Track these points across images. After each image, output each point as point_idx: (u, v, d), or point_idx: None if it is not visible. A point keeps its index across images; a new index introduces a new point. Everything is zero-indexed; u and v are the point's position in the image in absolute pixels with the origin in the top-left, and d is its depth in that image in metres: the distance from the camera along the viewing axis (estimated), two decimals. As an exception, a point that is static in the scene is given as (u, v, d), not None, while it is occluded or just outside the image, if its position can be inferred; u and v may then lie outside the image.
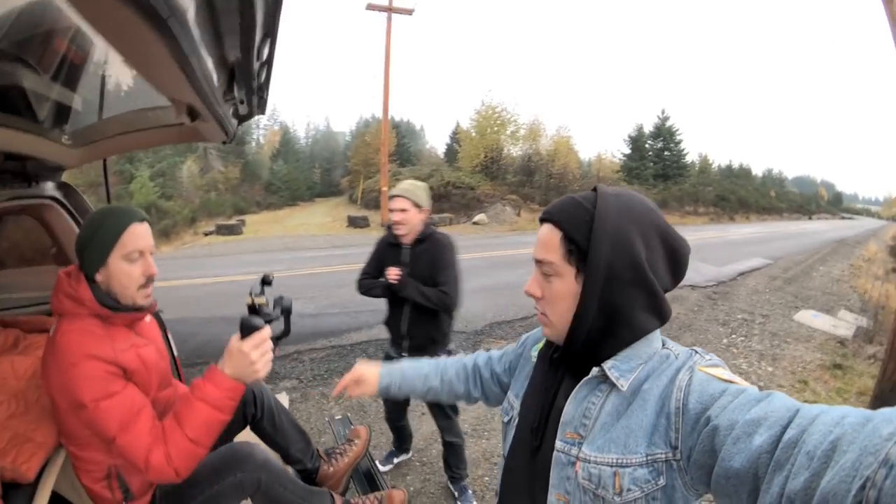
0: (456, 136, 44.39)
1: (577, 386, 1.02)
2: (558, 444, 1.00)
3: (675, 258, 1.02)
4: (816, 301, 10.45)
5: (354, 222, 25.27)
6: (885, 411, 0.60)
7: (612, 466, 0.91)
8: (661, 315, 1.01)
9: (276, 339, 1.74)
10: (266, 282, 1.87)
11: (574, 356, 1.04)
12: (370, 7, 22.97)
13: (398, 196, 2.96)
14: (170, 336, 2.39)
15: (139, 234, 1.66)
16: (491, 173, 35.26)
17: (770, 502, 0.65)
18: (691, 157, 49.10)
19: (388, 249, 3.17)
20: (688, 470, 0.84)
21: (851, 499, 0.54)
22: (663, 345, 1.03)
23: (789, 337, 7.67)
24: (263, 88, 1.56)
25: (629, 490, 0.88)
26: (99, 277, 1.64)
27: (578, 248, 0.99)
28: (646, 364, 0.98)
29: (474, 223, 26.56)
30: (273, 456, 1.92)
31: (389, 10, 23.29)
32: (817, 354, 6.90)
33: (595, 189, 1.05)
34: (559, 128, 40.34)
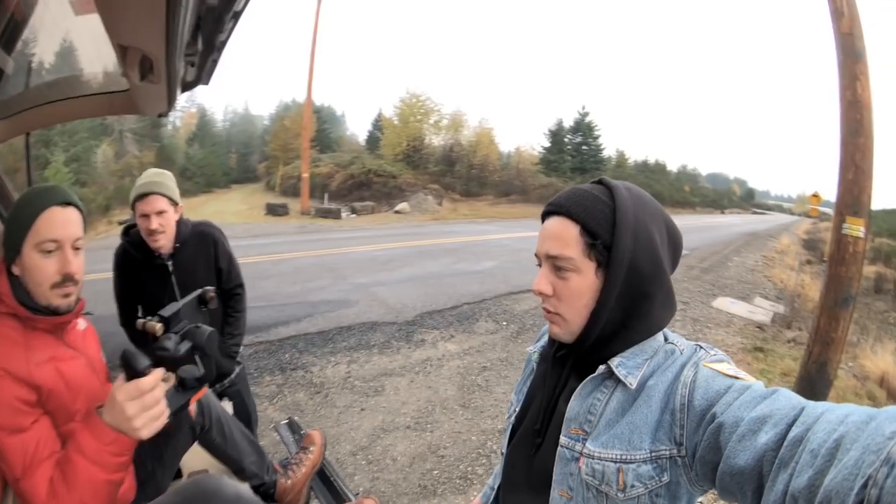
0: (378, 124, 44.38)
1: (583, 383, 0.99)
2: (562, 439, 0.98)
3: (676, 249, 1.03)
4: (733, 289, 11.02)
5: (273, 210, 24.47)
6: (890, 409, 0.60)
7: (615, 462, 0.89)
8: (672, 308, 1.01)
9: (187, 386, 1.33)
10: (202, 300, 1.56)
11: (583, 353, 1.01)
12: None
13: (153, 194, 2.30)
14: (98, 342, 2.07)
15: (57, 221, 1.37)
16: (413, 162, 35.39)
17: (774, 500, 0.64)
18: (609, 151, 51.08)
19: (142, 271, 2.47)
20: (692, 466, 0.83)
21: (854, 497, 0.53)
22: (665, 339, 1.00)
23: (710, 322, 8.07)
24: (222, 48, 1.34)
25: (633, 486, 0.87)
26: (15, 270, 1.37)
27: (601, 243, 0.95)
28: (651, 359, 0.95)
29: (396, 212, 26.49)
30: (243, 487, 1.65)
31: None
32: (738, 338, 7.29)
33: (601, 182, 1.03)
34: (481, 119, 41.24)
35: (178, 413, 1.31)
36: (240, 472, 1.98)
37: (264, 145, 46.59)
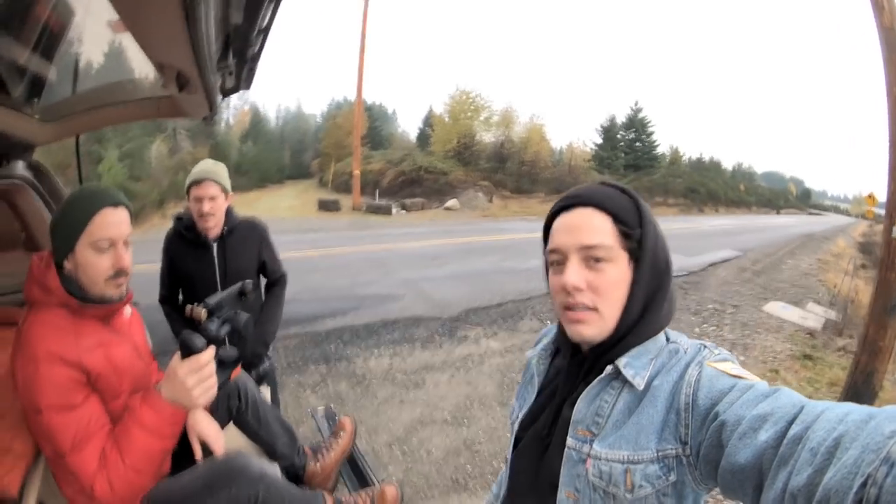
0: (429, 121, 44.34)
1: (591, 384, 0.98)
2: (570, 441, 0.97)
3: (666, 247, 1.03)
4: (785, 293, 10.65)
5: (325, 206, 24.96)
6: (889, 409, 0.60)
7: (623, 463, 0.88)
8: (674, 306, 1.03)
9: (225, 365, 1.55)
10: (242, 293, 1.71)
11: (602, 352, 0.99)
12: None
13: (206, 180, 2.50)
14: (148, 337, 2.23)
15: (110, 222, 1.50)
16: (463, 159, 35.34)
17: (774, 497, 0.65)
18: (662, 149, 50.05)
19: (188, 251, 2.65)
20: (697, 465, 0.83)
21: (853, 496, 0.54)
22: (668, 338, 1.01)
23: (759, 327, 7.80)
24: (256, 59, 1.44)
25: (641, 487, 0.87)
26: (67, 265, 1.51)
27: (632, 234, 0.96)
28: (656, 359, 0.95)
29: (446, 208, 26.56)
30: (269, 466, 1.77)
31: None
32: (787, 345, 7.02)
33: (603, 184, 1.04)
34: (532, 116, 40.85)
35: (219, 388, 1.50)
36: (271, 453, 2.09)
37: (317, 143, 46.83)
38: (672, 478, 0.86)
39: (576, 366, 1.05)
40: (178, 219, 2.70)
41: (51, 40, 1.38)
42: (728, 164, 69.04)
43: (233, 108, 46.36)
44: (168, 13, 0.65)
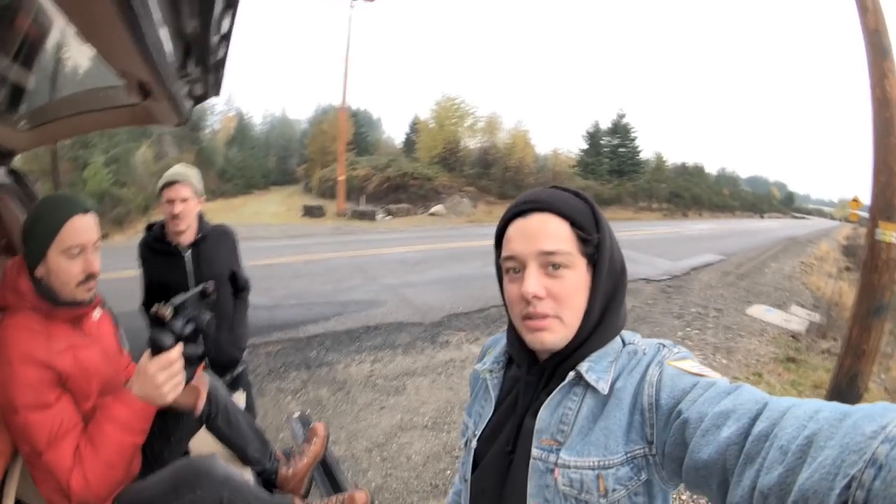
0: (415, 127, 44.56)
1: (553, 393, 0.97)
2: (535, 451, 0.95)
3: (620, 250, 1.04)
4: (769, 296, 10.72)
5: (310, 211, 24.94)
6: (864, 407, 0.59)
7: (594, 469, 0.88)
8: (626, 312, 1.04)
9: (191, 362, 1.63)
10: (204, 294, 1.80)
11: (561, 359, 0.99)
12: None
13: (177, 182, 2.52)
14: (121, 332, 2.26)
15: (80, 228, 1.55)
16: (449, 165, 35.58)
17: (742, 495, 0.65)
18: (646, 154, 50.36)
19: (161, 261, 2.65)
20: (663, 464, 0.84)
21: (835, 497, 0.53)
22: (623, 339, 1.01)
23: (743, 330, 7.85)
24: (220, 66, 1.46)
25: (614, 490, 0.87)
26: (39, 272, 1.54)
27: (590, 240, 0.96)
28: (616, 361, 0.96)
29: (431, 214, 26.65)
30: (233, 469, 1.80)
31: None
32: (771, 348, 7.07)
33: (555, 188, 1.04)
34: (517, 122, 41.34)
35: (186, 383, 1.60)
36: (243, 457, 2.11)
37: (303, 148, 46.97)
38: (643, 477, 0.87)
39: (535, 375, 1.03)
40: (148, 229, 2.72)
41: (30, 50, 1.41)
42: (712, 169, 69.87)
43: (218, 114, 46.32)
44: (113, 23, 0.67)
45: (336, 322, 6.91)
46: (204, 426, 2.05)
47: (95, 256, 1.59)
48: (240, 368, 2.88)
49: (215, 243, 2.76)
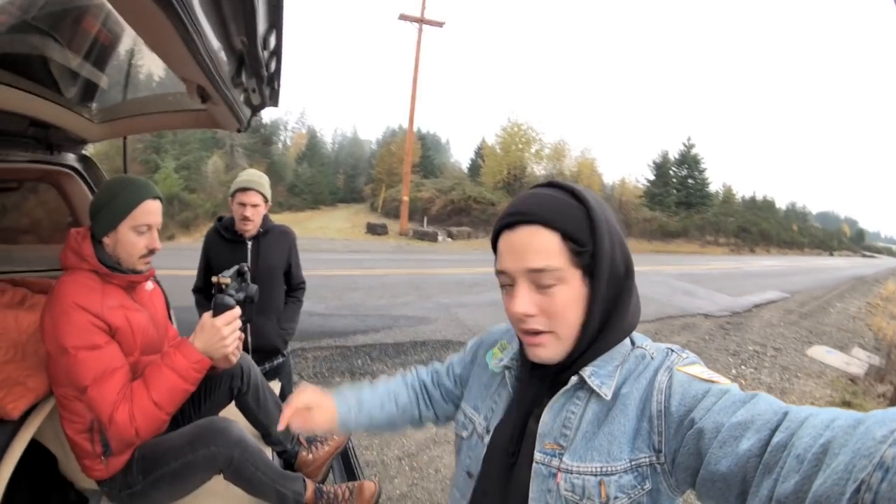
0: (480, 152, 44.88)
1: (555, 396, 0.94)
2: (537, 455, 0.93)
3: (626, 248, 0.96)
4: (831, 337, 10.27)
5: (373, 229, 25.47)
6: (877, 413, 0.59)
7: (596, 475, 0.86)
8: (639, 310, 0.99)
9: (244, 322, 1.84)
10: (241, 273, 1.98)
11: (563, 365, 0.95)
12: (402, 17, 23.72)
13: (251, 189, 2.75)
14: (171, 311, 2.48)
15: (151, 210, 1.77)
16: (513, 191, 35.41)
17: None
18: (715, 186, 49.51)
19: (225, 247, 2.89)
20: (672, 472, 0.82)
21: (846, 502, 0.53)
22: (633, 343, 0.98)
23: (800, 372, 7.56)
24: (274, 79, 1.62)
25: (616, 498, 0.84)
26: (106, 241, 1.75)
27: (583, 249, 0.88)
28: (622, 366, 0.93)
29: (493, 239, 26.59)
30: (251, 436, 1.93)
31: (421, 21, 23.93)
32: (827, 391, 6.78)
33: (553, 184, 0.97)
34: (584, 149, 40.91)
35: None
36: (266, 436, 2.25)
37: (370, 168, 47.73)
38: (647, 486, 0.84)
39: (538, 378, 1.01)
40: (219, 219, 2.97)
41: (103, 51, 1.62)
42: (782, 204, 67.46)
43: (290, 131, 47.78)
44: (169, 33, 0.83)
45: (385, 334, 7.05)
46: (234, 401, 2.19)
47: (157, 236, 1.81)
48: (280, 359, 3.07)
49: (276, 239, 2.96)
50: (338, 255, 15.98)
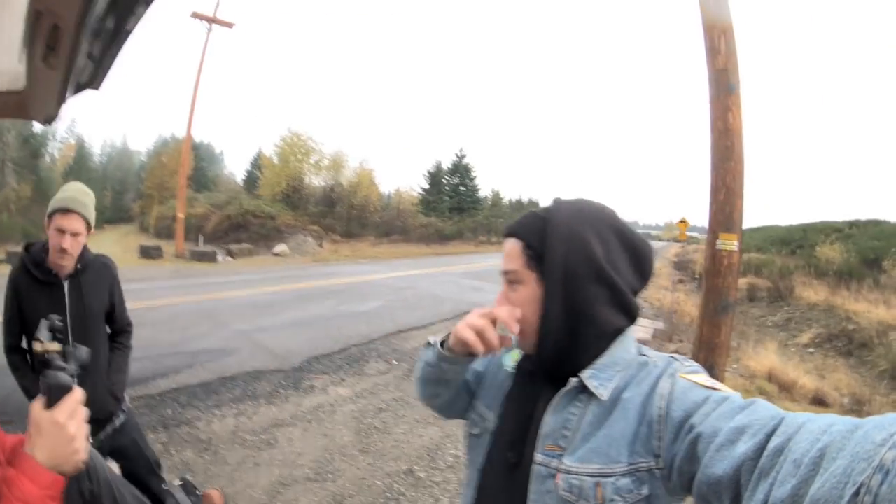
0: (257, 163, 43.79)
1: (556, 397, 1.00)
2: (538, 456, 0.97)
3: (637, 256, 1.05)
4: (611, 311, 11.72)
5: (147, 252, 22.80)
6: (876, 418, 0.59)
7: (593, 477, 0.89)
8: (627, 311, 1.03)
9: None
10: (53, 329, 1.53)
11: (550, 364, 1.03)
12: (195, 15, 22.24)
13: (72, 212, 2.29)
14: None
15: None
16: (292, 203, 35.13)
17: None
18: (485, 191, 53.09)
19: (39, 291, 2.39)
20: (671, 477, 0.84)
21: None
22: (639, 352, 1.03)
23: None
24: (123, 40, 1.19)
25: (612, 500, 0.87)
26: None
27: (537, 253, 1.03)
28: (624, 371, 0.98)
29: (275, 254, 25.81)
30: None
31: (212, 20, 22.54)
32: None
33: (546, 208, 1.10)
34: (362, 160, 41.85)
35: None
36: None
37: (140, 183, 44.75)
38: (644, 491, 0.86)
39: (541, 379, 1.07)
40: (26, 250, 2.44)
41: None
42: (547, 202, 75.01)
43: (59, 141, 43.01)
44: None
45: (188, 375, 6.37)
46: None
47: None
48: (118, 421, 2.58)
49: (96, 275, 2.54)
50: (110, 286, 14.22)
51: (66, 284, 2.40)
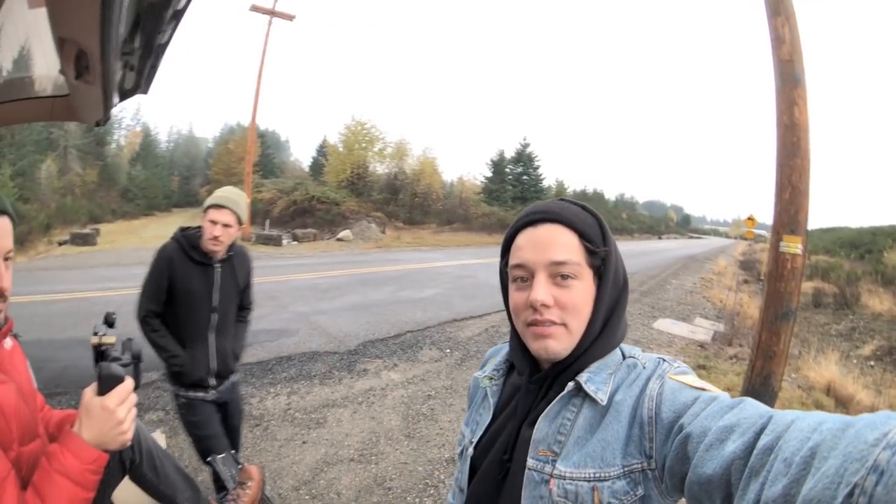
0: (323, 150, 44.46)
1: (552, 403, 0.96)
2: (530, 462, 0.95)
3: (623, 263, 1.06)
4: (672, 311, 11.37)
5: (213, 236, 23.80)
6: (867, 417, 0.58)
7: (589, 481, 0.87)
8: (627, 325, 1.06)
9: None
10: (108, 322, 1.58)
11: (564, 368, 0.99)
12: (254, 9, 22.76)
13: (224, 207, 2.65)
14: (28, 365, 1.93)
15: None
16: (357, 190, 35.55)
17: None
18: (548, 181, 52.37)
19: (193, 269, 2.73)
20: (662, 478, 0.83)
21: None
22: (623, 352, 1.02)
23: (651, 343, 8.28)
24: (161, 53, 1.27)
25: (609, 503, 0.85)
26: None
27: (595, 252, 0.98)
28: (615, 374, 0.96)
29: (338, 239, 26.21)
30: None
31: (272, 13, 23.09)
32: (680, 357, 7.35)
33: (563, 199, 1.06)
34: (425, 149, 41.79)
35: None
36: None
37: (207, 168, 45.95)
38: (639, 492, 0.85)
39: (535, 383, 1.03)
40: (183, 234, 2.79)
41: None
42: (611, 195, 73.14)
43: (125, 129, 44.73)
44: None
45: (247, 353, 6.44)
46: (128, 475, 1.80)
47: (6, 270, 1.27)
48: (234, 377, 3.05)
49: (240, 262, 2.94)
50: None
51: (218, 266, 2.78)
